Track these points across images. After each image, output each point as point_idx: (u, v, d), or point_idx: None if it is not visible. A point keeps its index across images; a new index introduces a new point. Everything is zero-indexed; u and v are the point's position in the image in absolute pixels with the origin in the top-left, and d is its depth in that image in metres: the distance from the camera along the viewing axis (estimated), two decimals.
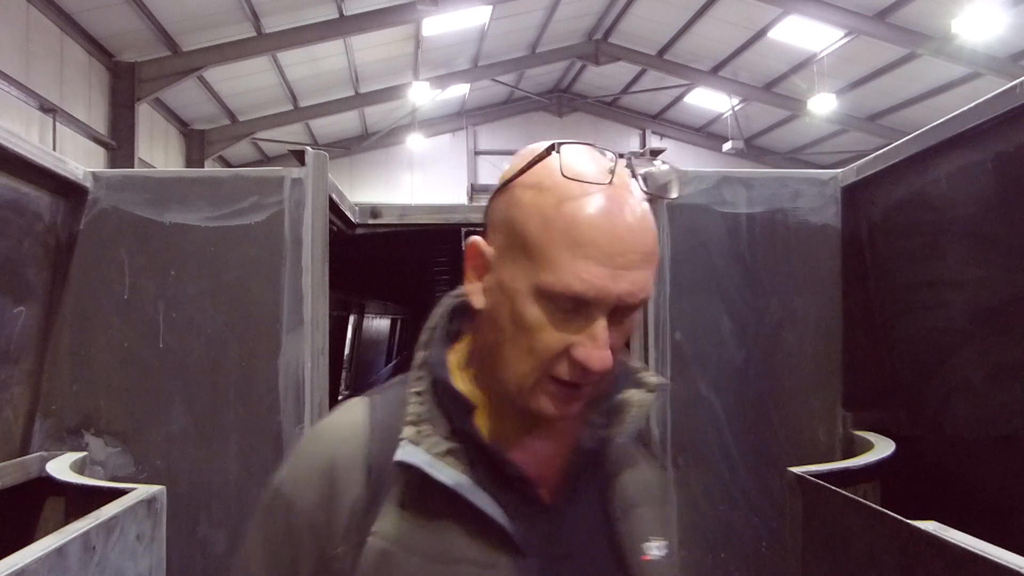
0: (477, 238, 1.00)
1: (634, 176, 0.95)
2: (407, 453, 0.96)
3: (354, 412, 1.03)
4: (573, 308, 0.91)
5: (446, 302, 1.10)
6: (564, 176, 0.92)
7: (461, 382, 1.03)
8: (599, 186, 0.91)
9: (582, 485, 1.04)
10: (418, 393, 1.01)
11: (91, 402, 2.22)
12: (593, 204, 0.90)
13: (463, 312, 1.08)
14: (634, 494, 1.08)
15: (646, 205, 0.95)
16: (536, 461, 1.02)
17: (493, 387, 1.00)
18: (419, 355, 1.07)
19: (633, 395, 1.09)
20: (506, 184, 0.98)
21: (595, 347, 0.92)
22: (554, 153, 0.93)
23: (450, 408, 1.00)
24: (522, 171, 0.96)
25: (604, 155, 0.95)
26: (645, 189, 0.96)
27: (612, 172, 0.92)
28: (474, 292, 1.00)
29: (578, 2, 16.33)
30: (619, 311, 0.94)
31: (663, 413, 2.21)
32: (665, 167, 1.00)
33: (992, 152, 1.73)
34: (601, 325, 0.92)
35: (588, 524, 1.04)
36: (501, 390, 0.98)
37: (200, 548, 2.20)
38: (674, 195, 1.00)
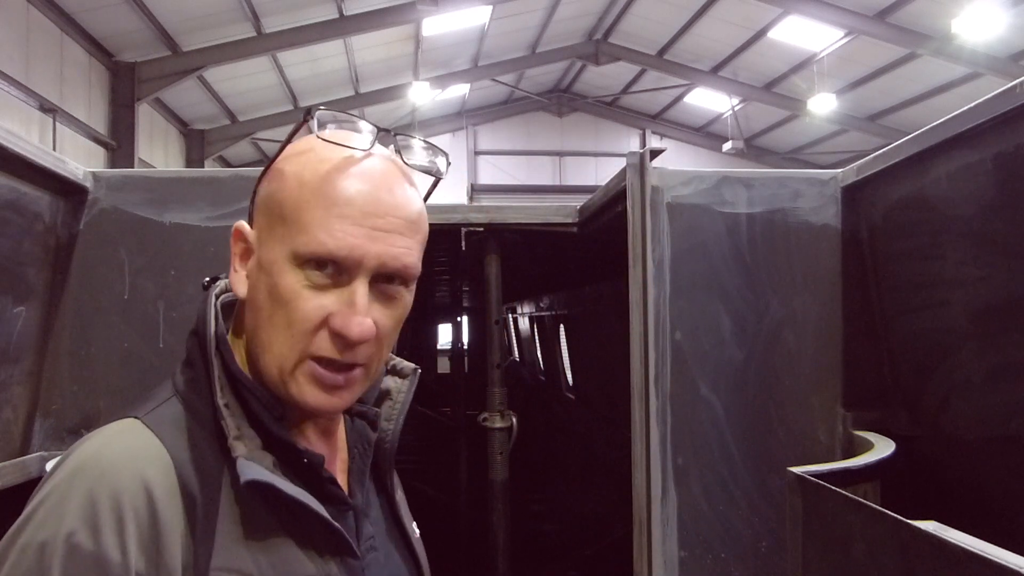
0: (240, 222, 0.97)
1: (397, 150, 0.96)
2: (252, 471, 0.86)
3: (140, 435, 0.87)
4: (332, 274, 0.88)
5: (211, 298, 0.99)
6: (320, 139, 0.92)
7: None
8: (358, 151, 0.92)
9: (366, 478, 1.05)
10: (227, 405, 0.91)
11: (91, 402, 2.22)
12: (348, 165, 0.91)
13: (232, 307, 1.02)
14: (396, 480, 1.13)
15: (412, 178, 0.96)
16: (331, 459, 1.01)
17: (262, 382, 0.93)
18: (196, 359, 0.95)
19: (390, 383, 1.10)
20: (269, 165, 0.97)
21: (353, 313, 0.88)
22: (313, 120, 0.93)
23: (261, 415, 0.91)
24: (283, 146, 0.96)
25: (367, 127, 0.95)
26: (408, 161, 0.96)
27: (373, 142, 0.93)
28: (237, 281, 0.95)
29: (578, 2, 16.33)
30: (382, 280, 0.91)
31: (663, 413, 2.21)
32: (422, 141, 1.00)
33: (992, 152, 1.73)
34: (360, 291, 0.89)
35: (379, 515, 1.07)
36: (267, 382, 0.92)
37: None
38: (442, 173, 1.00)
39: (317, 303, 0.88)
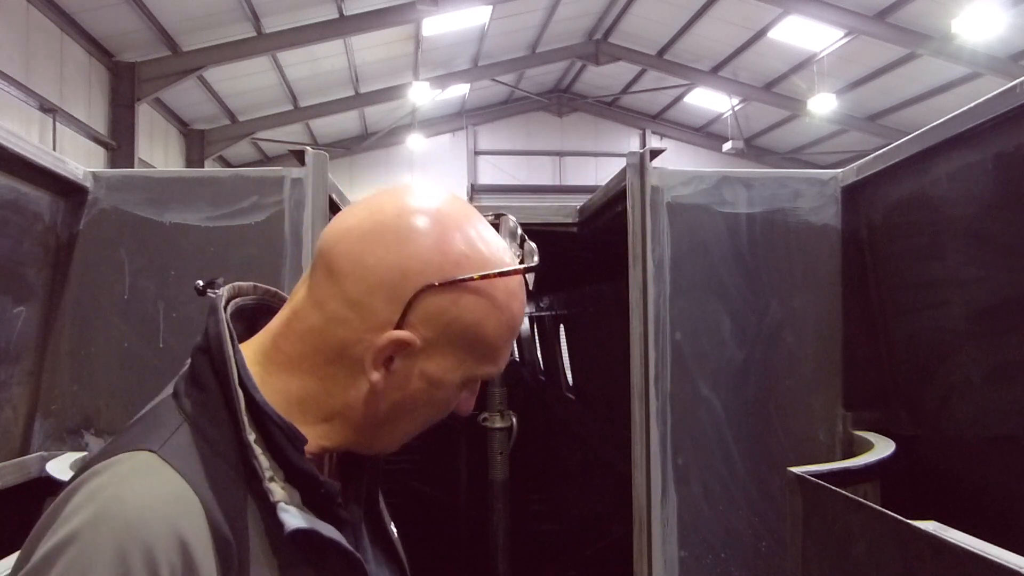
0: (402, 332, 0.89)
1: (527, 267, 0.98)
2: (296, 519, 0.84)
3: (163, 475, 0.80)
4: None
5: (222, 312, 0.92)
6: (507, 273, 0.93)
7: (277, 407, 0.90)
8: (518, 273, 0.96)
9: (361, 492, 1.05)
10: (256, 441, 0.86)
11: (91, 402, 2.22)
12: (518, 291, 0.96)
13: (234, 320, 0.96)
14: (376, 481, 1.10)
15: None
16: (330, 475, 1.01)
17: (356, 442, 0.96)
18: (208, 383, 0.88)
19: None
20: (450, 280, 0.90)
21: (472, 397, 1.01)
22: (521, 252, 0.98)
23: (287, 450, 0.88)
24: (484, 273, 0.92)
25: (531, 250, 0.99)
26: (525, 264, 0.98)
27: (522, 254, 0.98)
28: (377, 380, 0.91)
29: (578, 2, 16.33)
30: None
31: (663, 413, 2.21)
32: (532, 245, 1.01)
33: (992, 152, 1.73)
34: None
35: (371, 530, 1.07)
36: (373, 447, 0.99)
37: None
38: (535, 261, 1.00)
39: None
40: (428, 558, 5.49)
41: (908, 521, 1.28)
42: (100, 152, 12.38)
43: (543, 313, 7.26)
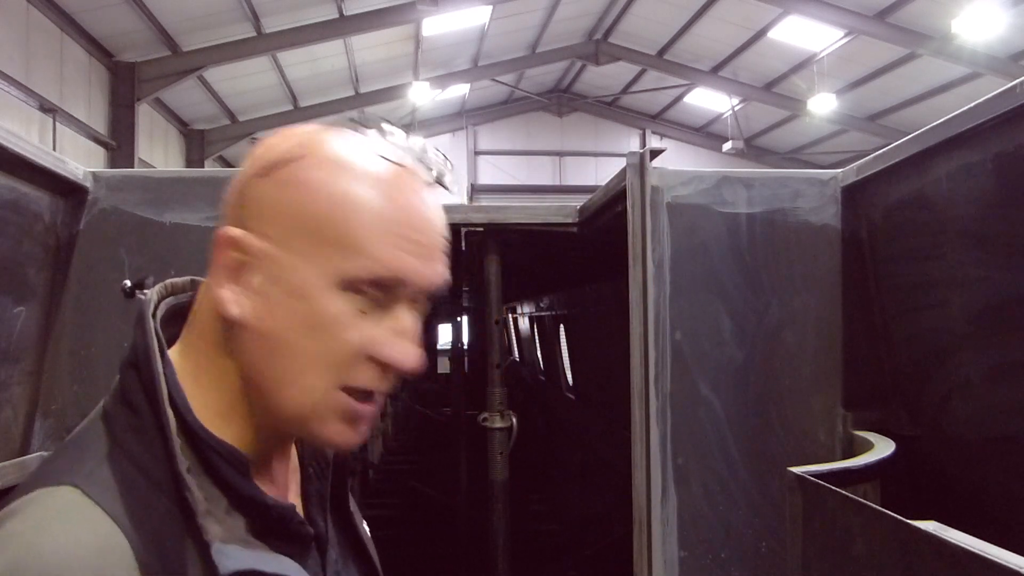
0: (233, 229, 0.81)
1: (428, 165, 0.87)
2: (233, 560, 0.74)
3: (87, 516, 0.71)
4: (377, 299, 0.80)
5: (149, 321, 0.84)
6: (367, 154, 0.82)
7: (210, 426, 0.80)
8: (402, 167, 0.83)
9: (326, 502, 0.96)
10: (188, 470, 0.76)
11: (91, 402, 2.20)
12: (404, 184, 0.82)
13: (168, 324, 0.87)
14: (345, 479, 1.02)
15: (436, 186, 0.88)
16: (285, 490, 0.92)
17: (260, 419, 0.83)
18: (139, 404, 0.79)
19: None
20: (268, 166, 0.83)
21: (407, 342, 0.81)
22: (371, 131, 0.85)
23: (225, 472, 0.79)
24: (277, 148, 0.83)
25: (408, 139, 0.88)
26: (445, 185, 0.89)
27: (424, 163, 0.86)
28: (227, 300, 0.80)
29: (578, 2, 16.33)
30: (417, 305, 0.85)
31: (663, 413, 2.21)
32: (439, 156, 0.91)
33: (992, 152, 1.73)
34: (410, 318, 0.82)
35: (338, 529, 0.98)
36: (276, 420, 0.82)
37: None
38: (451, 190, 0.92)
39: (362, 331, 0.79)
40: (428, 558, 5.50)
41: (908, 521, 1.28)
42: (100, 152, 12.38)
43: (543, 313, 7.26)
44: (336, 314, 0.78)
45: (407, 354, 0.81)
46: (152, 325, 0.83)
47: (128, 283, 0.90)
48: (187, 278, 0.93)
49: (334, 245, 0.78)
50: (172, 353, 0.85)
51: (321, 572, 0.89)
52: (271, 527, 0.82)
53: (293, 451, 0.96)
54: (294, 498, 0.94)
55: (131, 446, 0.77)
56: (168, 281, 0.92)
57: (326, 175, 0.80)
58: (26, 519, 0.70)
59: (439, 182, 0.88)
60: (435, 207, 0.85)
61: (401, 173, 0.83)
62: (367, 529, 1.05)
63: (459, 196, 20.99)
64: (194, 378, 0.83)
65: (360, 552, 1.01)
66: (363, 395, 0.81)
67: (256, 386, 0.81)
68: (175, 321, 0.89)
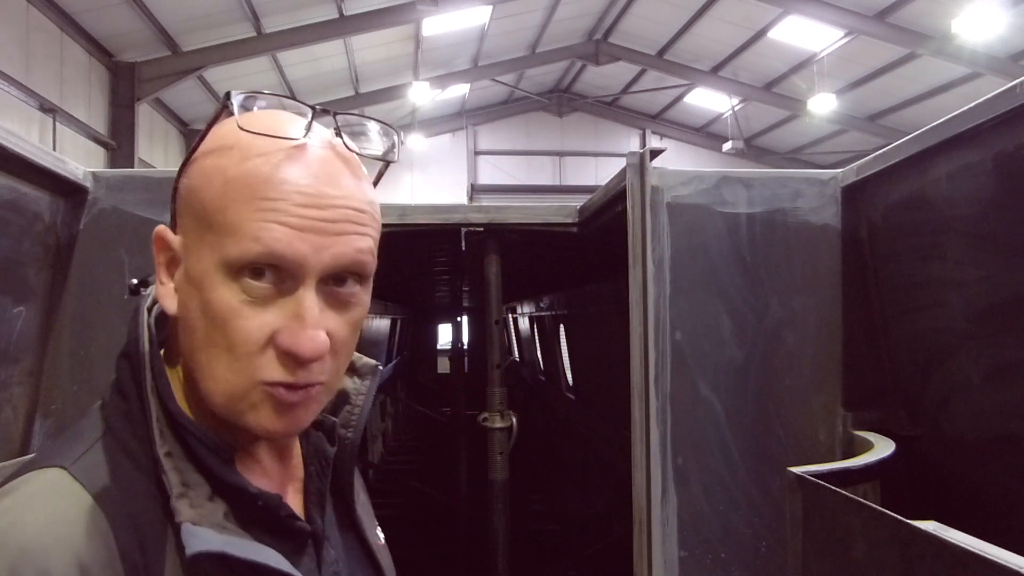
0: (161, 227, 0.83)
1: (337, 132, 0.83)
2: (199, 540, 0.74)
3: (69, 495, 0.74)
4: (273, 282, 0.77)
5: (143, 315, 0.87)
6: (243, 130, 0.79)
7: (194, 415, 0.83)
8: (290, 140, 0.79)
9: (326, 500, 0.94)
10: (168, 453, 0.78)
11: (91, 402, 2.19)
12: (280, 157, 0.78)
13: (167, 319, 0.88)
14: (357, 486, 1.01)
15: (357, 164, 0.84)
16: (282, 486, 0.91)
17: (208, 409, 0.82)
18: (128, 390, 0.83)
19: (348, 384, 0.99)
20: (187, 159, 0.83)
21: (302, 327, 0.76)
22: (234, 108, 0.80)
23: (207, 460, 0.80)
24: (201, 138, 0.82)
25: (298, 108, 0.83)
26: (353, 148, 0.84)
27: (308, 128, 0.80)
28: (165, 295, 0.83)
29: (578, 2, 16.33)
30: (333, 283, 0.80)
31: (663, 413, 2.21)
32: (376, 124, 0.88)
33: (992, 152, 1.73)
34: (308, 299, 0.77)
35: (341, 532, 0.96)
36: (215, 410, 0.81)
37: None
38: (393, 157, 0.88)
39: (259, 320, 0.76)
40: (428, 558, 5.50)
41: (908, 521, 1.27)
42: (100, 152, 12.38)
43: (543, 313, 7.26)
44: (225, 301, 0.76)
45: (300, 341, 0.76)
46: (144, 318, 0.86)
47: (135, 281, 0.92)
48: None
49: (213, 229, 0.77)
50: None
51: (316, 571, 0.88)
52: (257, 518, 0.82)
53: (297, 450, 0.96)
54: (294, 495, 0.93)
55: (120, 431, 0.80)
56: None
57: (212, 159, 0.80)
58: (16, 498, 0.74)
59: (372, 155, 0.86)
60: (331, 176, 0.79)
61: (288, 147, 0.79)
62: (381, 534, 1.04)
63: (459, 189, 20.98)
64: (177, 369, 0.86)
65: (366, 556, 0.99)
66: (288, 387, 0.78)
67: (192, 378, 0.82)
68: None
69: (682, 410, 2.22)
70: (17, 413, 2.10)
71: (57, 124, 10.90)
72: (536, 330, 7.98)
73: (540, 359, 7.90)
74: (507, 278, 3.15)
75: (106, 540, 0.73)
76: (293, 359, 0.77)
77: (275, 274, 0.77)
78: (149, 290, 0.90)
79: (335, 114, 0.85)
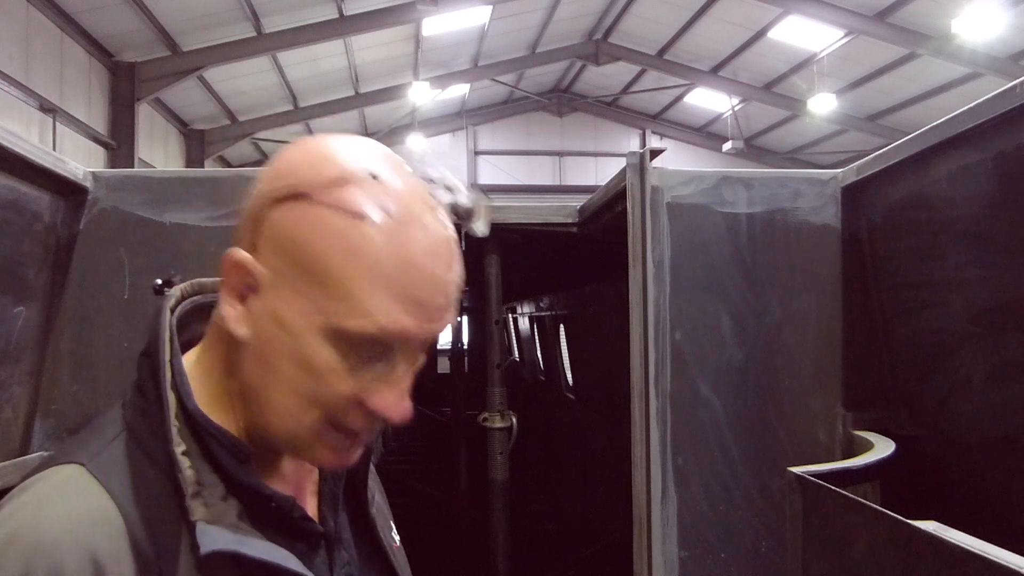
0: (241, 253, 0.80)
1: (456, 216, 0.85)
2: (213, 539, 0.75)
3: (86, 491, 0.76)
4: (375, 354, 0.78)
5: (165, 315, 0.87)
6: (383, 198, 0.77)
7: (214, 416, 0.83)
8: (417, 215, 0.78)
9: (339, 501, 0.96)
10: (185, 452, 0.79)
11: (91, 402, 2.22)
12: (416, 236, 0.77)
13: (192, 320, 0.91)
14: (372, 485, 1.02)
15: (453, 236, 0.83)
16: (297, 488, 0.92)
17: (254, 431, 0.84)
18: (148, 389, 0.83)
19: None
20: (295, 192, 0.78)
21: (397, 396, 0.80)
22: (374, 180, 0.78)
23: (224, 461, 0.81)
24: (318, 174, 0.78)
25: (434, 188, 0.83)
26: (474, 232, 0.86)
27: (444, 214, 0.81)
28: (235, 319, 0.81)
29: (578, 2, 16.33)
30: (415, 355, 0.83)
31: (663, 413, 2.21)
32: (470, 196, 0.87)
33: (992, 152, 1.73)
34: (402, 369, 0.80)
35: (355, 534, 0.97)
36: (265, 437, 0.83)
37: None
38: (482, 230, 0.87)
39: (356, 384, 0.78)
40: (428, 558, 5.50)
41: (908, 521, 1.28)
42: (100, 152, 12.38)
43: (543, 313, 7.26)
44: (326, 363, 0.77)
45: (394, 406, 0.79)
46: (167, 318, 0.86)
47: (159, 281, 0.92)
48: (218, 279, 0.93)
49: (326, 292, 0.76)
50: (197, 348, 0.89)
51: (328, 572, 0.89)
52: (271, 518, 0.83)
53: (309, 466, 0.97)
54: (309, 497, 0.94)
55: (138, 428, 0.81)
56: (196, 280, 0.95)
57: (334, 217, 0.76)
58: (34, 493, 0.76)
59: (463, 223, 0.86)
60: (448, 259, 0.80)
61: (415, 222, 0.78)
62: (397, 537, 1.05)
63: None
64: (207, 372, 0.86)
65: (380, 557, 1.00)
66: (355, 432, 0.82)
67: (249, 401, 0.83)
68: (203, 318, 0.91)
69: (682, 410, 2.22)
70: (17, 413, 2.10)
71: (57, 124, 10.90)
72: (536, 330, 7.98)
73: (540, 359, 7.91)
74: (507, 278, 3.15)
75: (121, 537, 0.74)
76: (379, 419, 0.80)
77: (373, 348, 0.78)
78: (172, 290, 0.91)
79: (439, 183, 0.83)
